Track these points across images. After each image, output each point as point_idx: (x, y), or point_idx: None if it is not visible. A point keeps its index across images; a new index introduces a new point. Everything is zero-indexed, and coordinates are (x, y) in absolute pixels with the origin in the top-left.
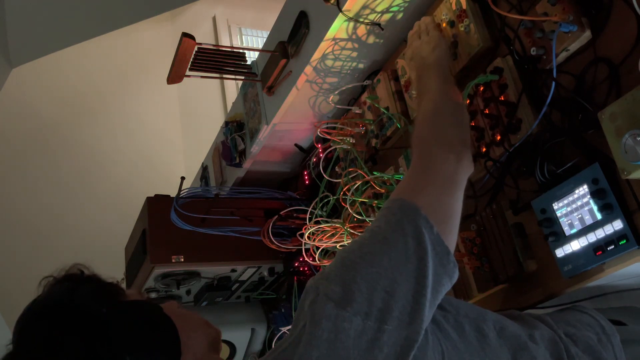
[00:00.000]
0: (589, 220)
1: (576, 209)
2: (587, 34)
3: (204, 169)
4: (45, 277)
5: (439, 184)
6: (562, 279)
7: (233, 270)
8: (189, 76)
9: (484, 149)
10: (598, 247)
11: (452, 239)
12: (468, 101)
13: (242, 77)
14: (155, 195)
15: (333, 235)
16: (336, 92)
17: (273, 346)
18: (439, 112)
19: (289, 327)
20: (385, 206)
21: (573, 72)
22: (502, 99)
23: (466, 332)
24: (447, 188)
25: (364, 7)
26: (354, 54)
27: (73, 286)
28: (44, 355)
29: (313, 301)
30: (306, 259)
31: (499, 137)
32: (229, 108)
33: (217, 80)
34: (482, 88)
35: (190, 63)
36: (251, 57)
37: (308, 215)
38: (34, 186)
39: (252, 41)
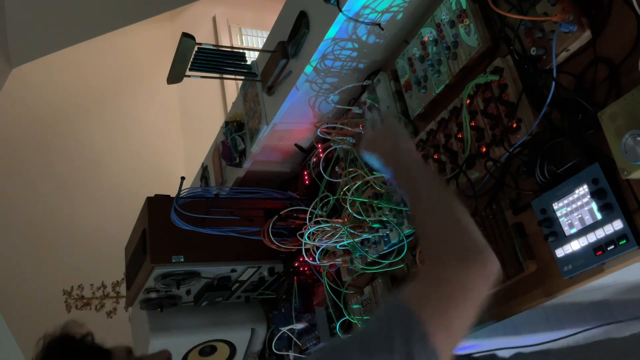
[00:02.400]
0: (589, 220)
1: (576, 209)
2: (587, 34)
3: (204, 169)
4: (40, 337)
5: (449, 296)
6: (562, 279)
7: (233, 270)
8: (189, 76)
9: (484, 149)
10: (598, 247)
11: (448, 350)
12: (468, 101)
13: (242, 77)
14: (155, 195)
15: (333, 235)
16: (336, 92)
17: (273, 348)
18: (442, 220)
19: (289, 327)
20: (389, 303)
21: (573, 72)
22: (502, 99)
23: None
24: (457, 300)
25: (364, 7)
26: (354, 54)
27: (64, 351)
28: None
29: None
30: (306, 259)
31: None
32: (229, 108)
33: (217, 80)
34: (482, 88)
35: (190, 63)
36: (251, 57)
37: (308, 215)
38: (34, 186)
39: (252, 41)
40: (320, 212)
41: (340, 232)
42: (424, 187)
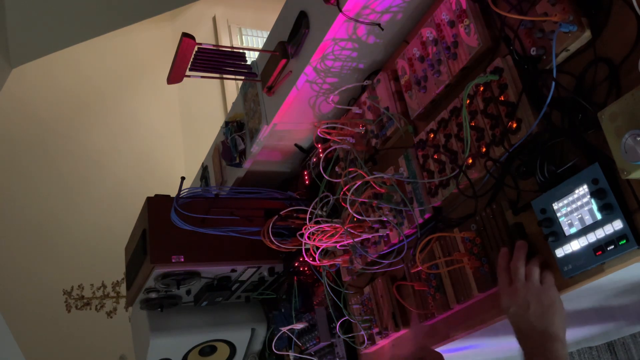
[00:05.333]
0: (588, 220)
1: (576, 209)
2: (587, 34)
3: (204, 169)
4: None
5: None
6: (562, 279)
7: (233, 270)
8: (189, 76)
9: (484, 149)
10: (598, 247)
11: None
12: (468, 101)
13: (242, 77)
14: (156, 195)
15: (333, 235)
16: (336, 92)
17: (273, 348)
18: None
19: (289, 327)
20: None
21: (573, 72)
22: (502, 99)
23: None
24: None
25: (364, 7)
26: (354, 54)
27: None
28: None
29: None
30: (306, 259)
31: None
32: (229, 108)
33: (217, 80)
34: (482, 88)
35: (190, 63)
36: (251, 57)
37: (308, 215)
38: (34, 186)
39: (252, 41)
40: (320, 212)
41: (341, 232)
42: None
